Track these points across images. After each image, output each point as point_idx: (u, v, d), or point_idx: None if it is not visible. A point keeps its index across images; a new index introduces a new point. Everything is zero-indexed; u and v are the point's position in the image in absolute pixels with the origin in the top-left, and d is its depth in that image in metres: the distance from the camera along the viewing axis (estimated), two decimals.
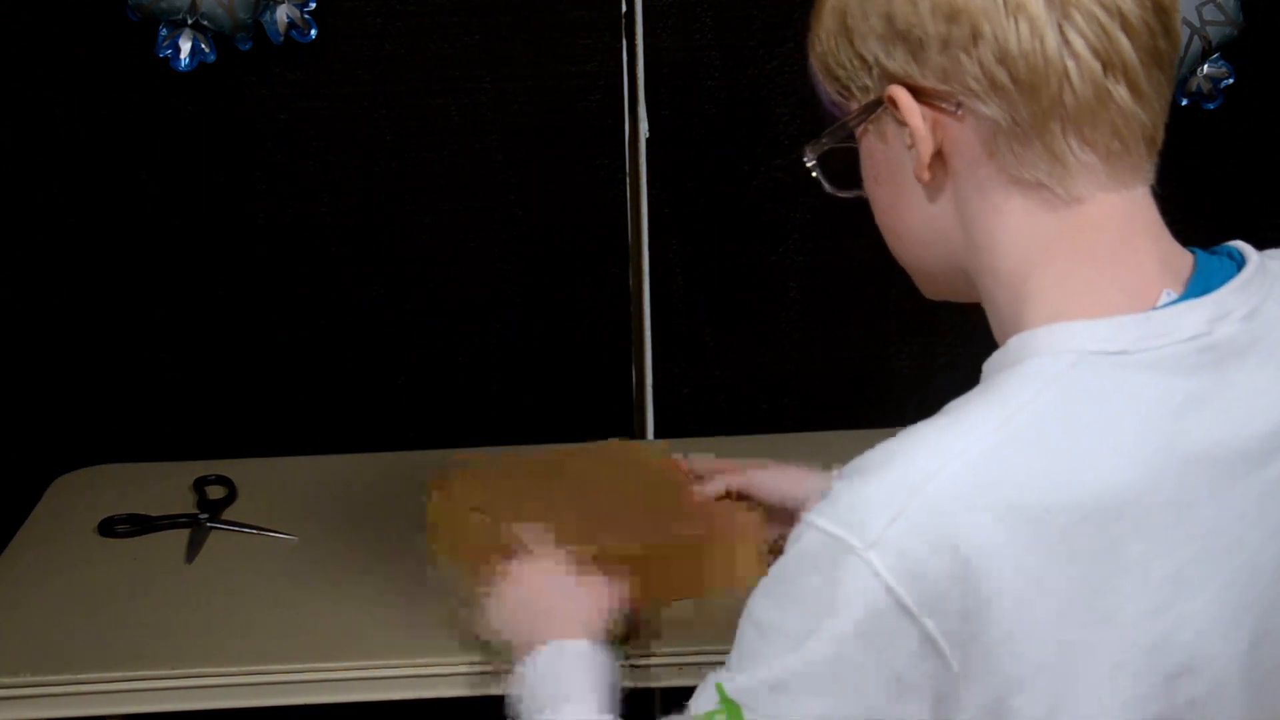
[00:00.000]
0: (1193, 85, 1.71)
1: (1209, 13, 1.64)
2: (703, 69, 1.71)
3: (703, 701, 0.82)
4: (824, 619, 0.75)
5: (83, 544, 1.52)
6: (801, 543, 0.77)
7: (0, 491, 1.75)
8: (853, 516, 0.74)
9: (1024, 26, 0.79)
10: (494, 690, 1.30)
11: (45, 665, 1.29)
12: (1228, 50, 1.69)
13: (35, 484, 1.69)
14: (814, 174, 0.93)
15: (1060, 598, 0.74)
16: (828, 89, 0.91)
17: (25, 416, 1.78)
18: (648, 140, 1.73)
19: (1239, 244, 0.88)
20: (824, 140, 0.91)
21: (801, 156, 0.93)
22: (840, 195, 0.94)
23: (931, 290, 0.94)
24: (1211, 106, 1.73)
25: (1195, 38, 1.65)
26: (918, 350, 1.81)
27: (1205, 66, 1.70)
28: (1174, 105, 1.84)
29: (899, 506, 0.74)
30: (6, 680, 1.28)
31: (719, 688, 0.81)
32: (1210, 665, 0.78)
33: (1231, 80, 1.71)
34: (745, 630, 0.80)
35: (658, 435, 1.83)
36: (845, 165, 0.94)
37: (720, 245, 1.78)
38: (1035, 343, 0.81)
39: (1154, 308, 0.81)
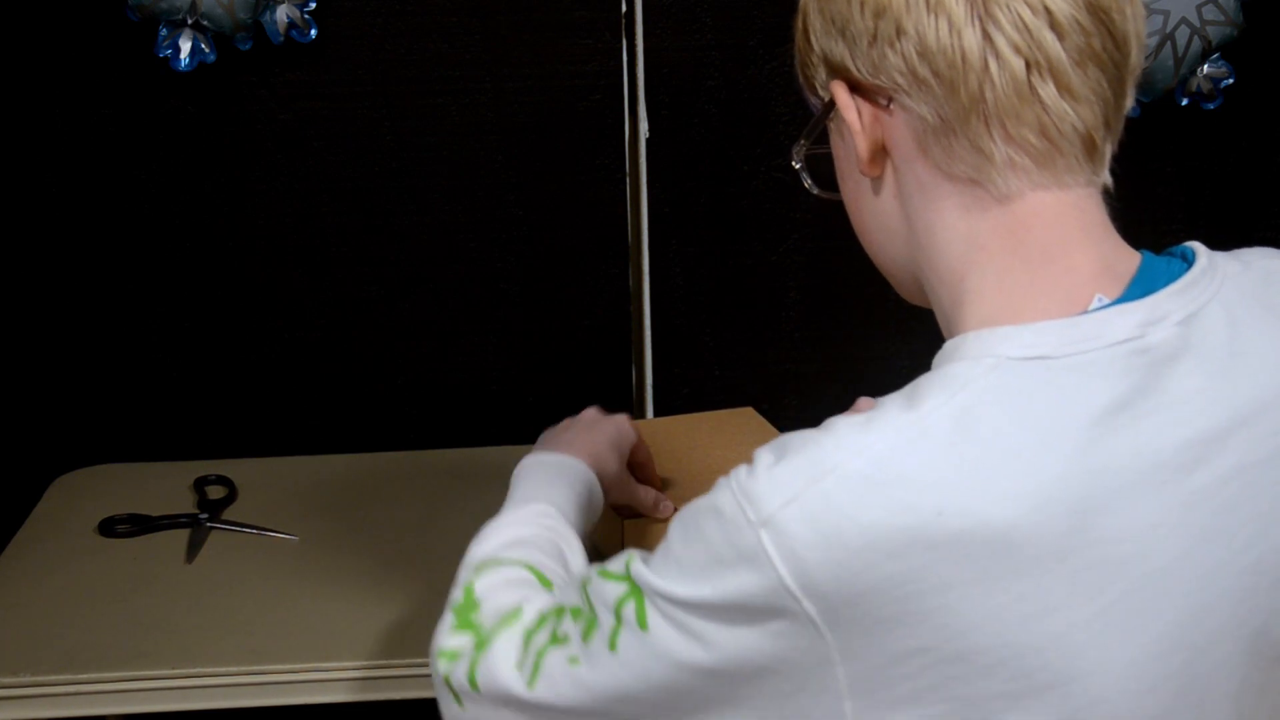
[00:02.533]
0: (1193, 85, 1.71)
1: (1209, 13, 1.64)
2: (703, 69, 1.71)
3: (616, 565, 0.85)
4: (712, 568, 0.78)
5: (83, 544, 1.52)
6: (717, 494, 0.79)
7: (0, 491, 1.75)
8: (755, 489, 0.77)
9: (943, 23, 0.80)
10: None
11: (45, 665, 1.29)
12: (1228, 50, 1.69)
13: (35, 484, 1.69)
14: (802, 176, 0.96)
15: (948, 595, 0.74)
16: (806, 93, 0.94)
17: (25, 416, 1.78)
18: (648, 140, 1.73)
19: (1193, 244, 0.87)
20: (803, 142, 0.94)
21: (790, 160, 0.96)
22: (824, 197, 0.97)
23: (904, 293, 0.95)
24: (1211, 106, 1.73)
25: (1195, 38, 1.65)
26: (918, 350, 1.81)
27: (1205, 66, 1.70)
28: (1174, 105, 1.85)
29: (796, 492, 0.76)
30: (6, 680, 1.28)
31: (629, 562, 0.84)
32: (1097, 672, 0.77)
33: (1231, 80, 1.71)
34: (668, 533, 0.83)
35: None
36: (829, 169, 0.95)
37: (720, 245, 1.78)
38: (964, 347, 0.82)
39: (1084, 312, 0.81)
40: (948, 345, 0.84)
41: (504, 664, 0.90)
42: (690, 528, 0.81)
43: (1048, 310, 0.81)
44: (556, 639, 0.88)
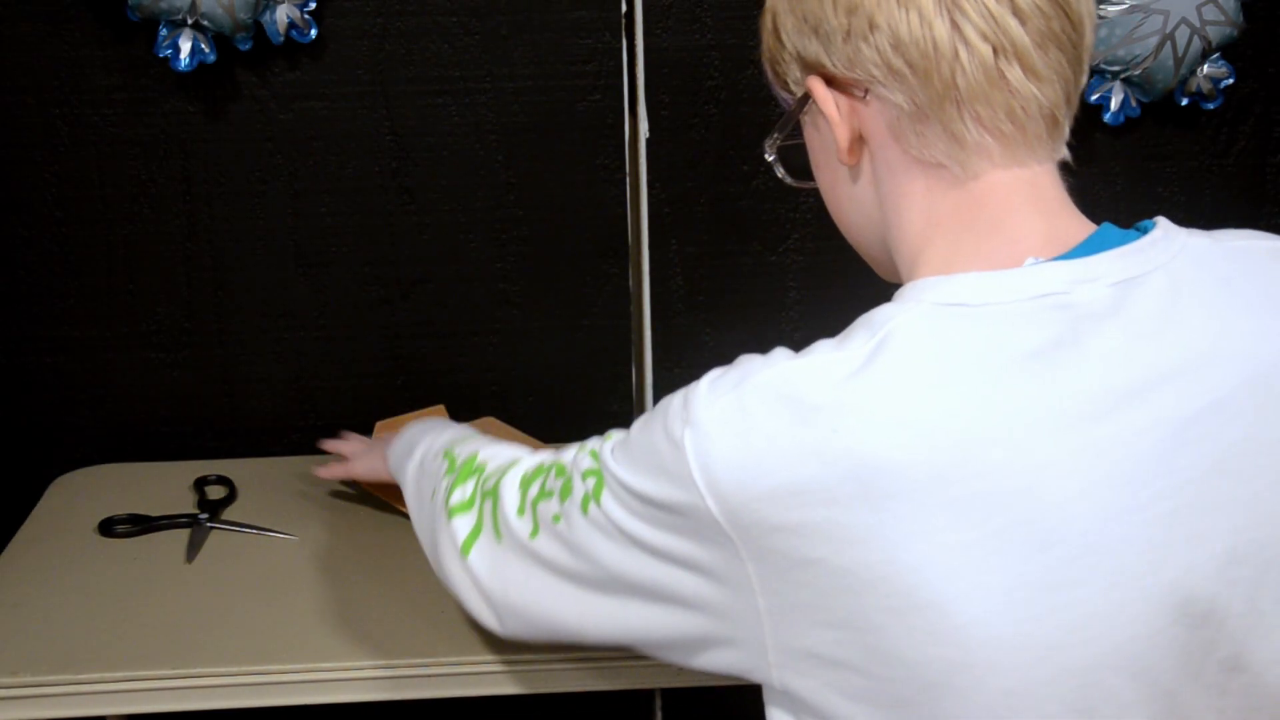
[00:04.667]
0: (1193, 85, 1.71)
1: (1209, 13, 1.64)
2: (703, 69, 1.72)
3: (595, 442, 0.96)
4: (649, 464, 0.86)
5: (83, 544, 1.52)
6: (680, 393, 0.87)
7: (0, 491, 1.75)
8: (696, 393, 0.85)
9: (914, 15, 0.85)
10: (495, 690, 1.31)
11: (45, 665, 1.29)
12: (1228, 50, 1.70)
13: (35, 484, 1.69)
14: (775, 168, 1.01)
15: (834, 509, 0.79)
16: (776, 88, 0.98)
17: (25, 416, 1.78)
18: (648, 140, 1.73)
19: (1158, 218, 0.90)
20: (776, 135, 0.98)
21: (763, 153, 1.01)
22: (798, 186, 1.02)
23: (882, 272, 1.01)
24: (1211, 106, 1.73)
25: (1195, 38, 1.65)
26: None
27: (1205, 66, 1.70)
28: (1174, 105, 1.85)
29: (718, 395, 0.84)
30: (6, 680, 1.28)
31: (606, 439, 0.94)
32: (976, 594, 0.79)
33: (1231, 80, 1.71)
34: (634, 423, 0.92)
35: None
36: (802, 160, 1.00)
37: (720, 245, 1.78)
38: (901, 294, 0.87)
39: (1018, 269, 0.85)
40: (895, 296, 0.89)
41: (510, 508, 1.00)
42: (650, 423, 0.88)
43: (981, 269, 0.85)
44: (545, 493, 0.97)
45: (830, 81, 0.90)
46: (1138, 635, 0.81)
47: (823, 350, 0.84)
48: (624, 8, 1.68)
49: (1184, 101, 1.72)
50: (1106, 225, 0.89)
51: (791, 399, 0.81)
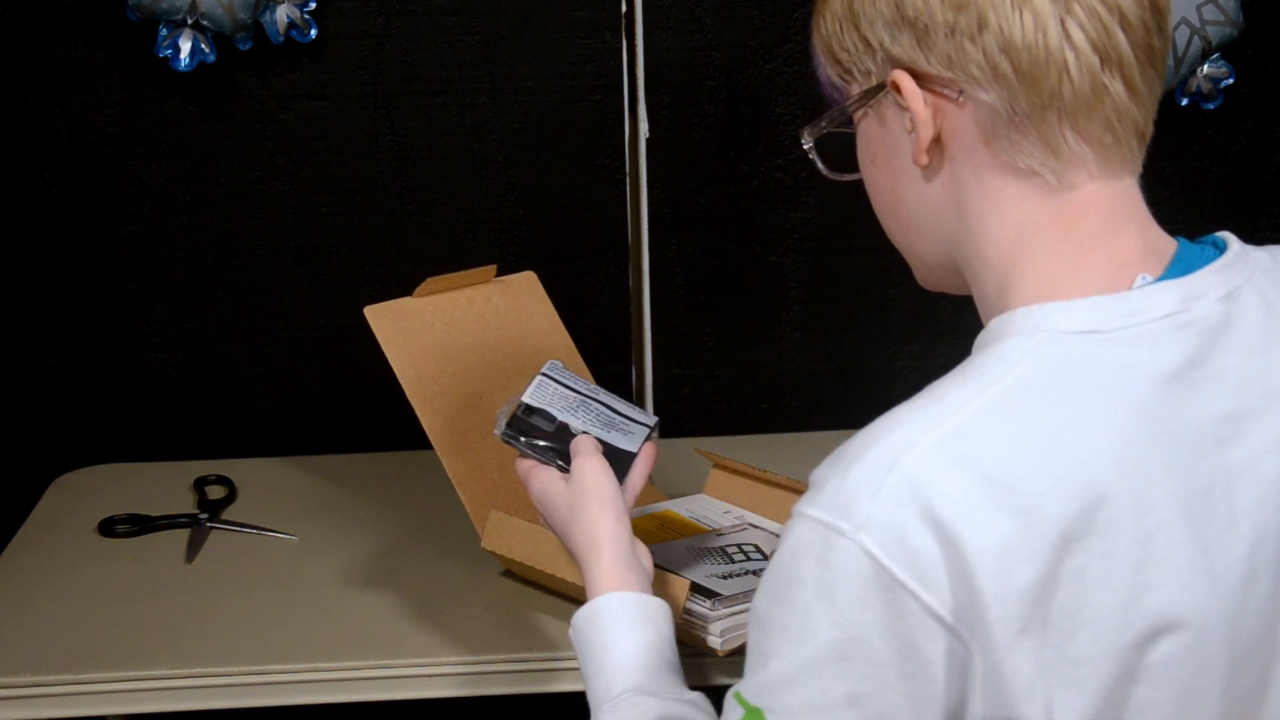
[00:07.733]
0: (1193, 85, 1.71)
1: (1209, 13, 1.64)
2: (703, 69, 1.71)
3: (730, 714, 0.82)
4: (825, 605, 0.76)
5: (83, 544, 1.52)
6: (793, 534, 0.78)
7: (0, 491, 1.75)
8: (838, 500, 0.76)
9: (1029, 18, 0.82)
10: (491, 690, 1.31)
11: (45, 665, 1.29)
12: (1228, 50, 1.70)
13: (35, 484, 1.69)
14: (811, 156, 0.96)
15: (1036, 562, 0.75)
16: (829, 72, 0.93)
17: (25, 416, 1.78)
18: (648, 140, 1.73)
19: (1224, 234, 0.90)
20: (822, 123, 0.94)
21: (800, 141, 0.96)
22: (836, 179, 0.98)
23: (926, 278, 0.96)
24: (1211, 106, 1.73)
25: (1195, 38, 1.65)
26: (918, 350, 1.81)
27: (1205, 66, 1.70)
28: (1174, 105, 1.85)
29: (878, 484, 0.75)
30: (6, 680, 1.28)
31: (738, 697, 0.81)
32: (1187, 626, 0.78)
33: (1231, 80, 1.71)
34: (752, 632, 0.81)
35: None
36: (842, 149, 0.96)
37: (720, 245, 1.78)
38: (1013, 323, 0.83)
39: (1129, 290, 0.83)
40: (993, 324, 0.85)
41: None
42: (777, 586, 0.79)
43: (1093, 287, 0.83)
44: None
45: (918, 78, 0.86)
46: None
47: (959, 396, 0.79)
48: (624, 8, 1.69)
49: (1184, 101, 1.72)
50: (1182, 239, 0.89)
51: (962, 457, 0.76)
